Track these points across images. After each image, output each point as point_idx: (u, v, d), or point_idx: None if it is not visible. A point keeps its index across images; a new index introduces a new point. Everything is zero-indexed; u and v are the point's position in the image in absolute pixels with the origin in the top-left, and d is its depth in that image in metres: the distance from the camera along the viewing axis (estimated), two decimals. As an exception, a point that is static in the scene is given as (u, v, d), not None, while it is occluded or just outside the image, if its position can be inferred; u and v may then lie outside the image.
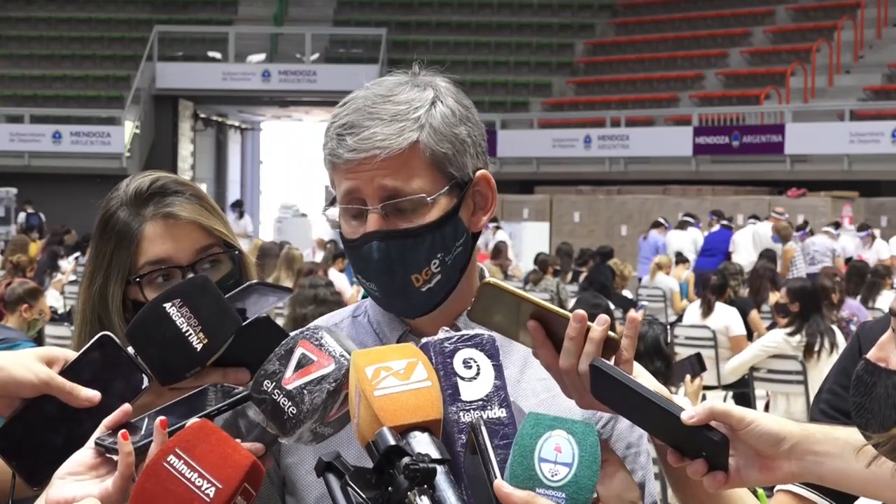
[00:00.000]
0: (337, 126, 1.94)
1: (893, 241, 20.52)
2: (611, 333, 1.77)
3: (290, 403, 1.66)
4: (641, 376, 1.79)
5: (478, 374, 1.64)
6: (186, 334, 1.77)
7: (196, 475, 1.52)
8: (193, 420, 1.64)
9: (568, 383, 1.78)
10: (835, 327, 9.00)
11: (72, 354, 1.86)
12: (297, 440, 1.69)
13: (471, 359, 1.65)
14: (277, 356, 1.70)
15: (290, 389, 1.66)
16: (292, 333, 1.73)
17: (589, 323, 1.76)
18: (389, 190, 1.91)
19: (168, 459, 1.53)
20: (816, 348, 8.75)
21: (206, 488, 1.51)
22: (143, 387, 1.81)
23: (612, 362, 1.77)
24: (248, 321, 1.82)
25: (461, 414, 1.61)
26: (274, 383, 1.68)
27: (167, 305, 1.78)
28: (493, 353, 1.66)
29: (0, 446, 1.82)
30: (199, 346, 1.77)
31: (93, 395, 1.80)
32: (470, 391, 1.63)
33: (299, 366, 1.68)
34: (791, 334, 8.94)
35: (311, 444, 1.70)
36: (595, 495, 1.64)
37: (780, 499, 2.11)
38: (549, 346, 1.79)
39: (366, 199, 1.93)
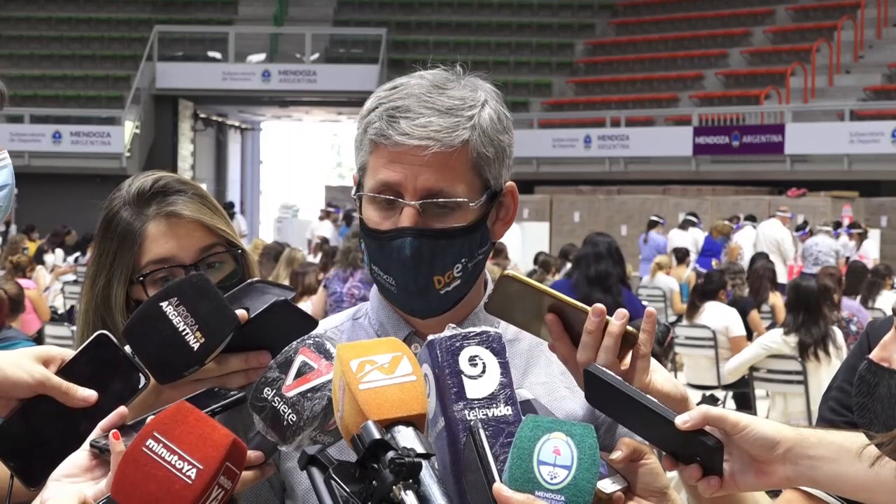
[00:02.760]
0: (388, 108, 1.89)
1: (871, 243, 20.50)
2: (629, 328, 1.76)
3: (290, 411, 1.65)
4: (658, 372, 1.79)
5: (483, 371, 1.62)
6: (183, 333, 1.76)
7: (176, 458, 1.49)
8: None
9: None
10: (835, 327, 8.98)
11: (69, 354, 1.85)
12: (296, 448, 1.67)
13: (476, 356, 1.63)
14: (278, 363, 1.69)
15: (291, 397, 1.66)
16: (294, 343, 1.71)
17: (607, 317, 1.75)
18: (433, 189, 1.87)
19: (147, 444, 1.50)
20: (812, 348, 8.72)
21: (187, 470, 1.49)
22: (141, 386, 1.80)
23: (629, 357, 1.76)
24: (266, 307, 1.80)
25: (466, 412, 1.60)
26: (274, 391, 1.67)
27: (163, 304, 1.77)
28: (499, 351, 1.64)
29: None
30: (196, 345, 1.75)
31: (89, 394, 1.79)
32: (475, 389, 1.61)
33: (300, 373, 1.67)
34: (786, 333, 8.93)
35: None
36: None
37: (788, 496, 2.10)
38: (566, 340, 1.78)
39: (403, 192, 1.88)
